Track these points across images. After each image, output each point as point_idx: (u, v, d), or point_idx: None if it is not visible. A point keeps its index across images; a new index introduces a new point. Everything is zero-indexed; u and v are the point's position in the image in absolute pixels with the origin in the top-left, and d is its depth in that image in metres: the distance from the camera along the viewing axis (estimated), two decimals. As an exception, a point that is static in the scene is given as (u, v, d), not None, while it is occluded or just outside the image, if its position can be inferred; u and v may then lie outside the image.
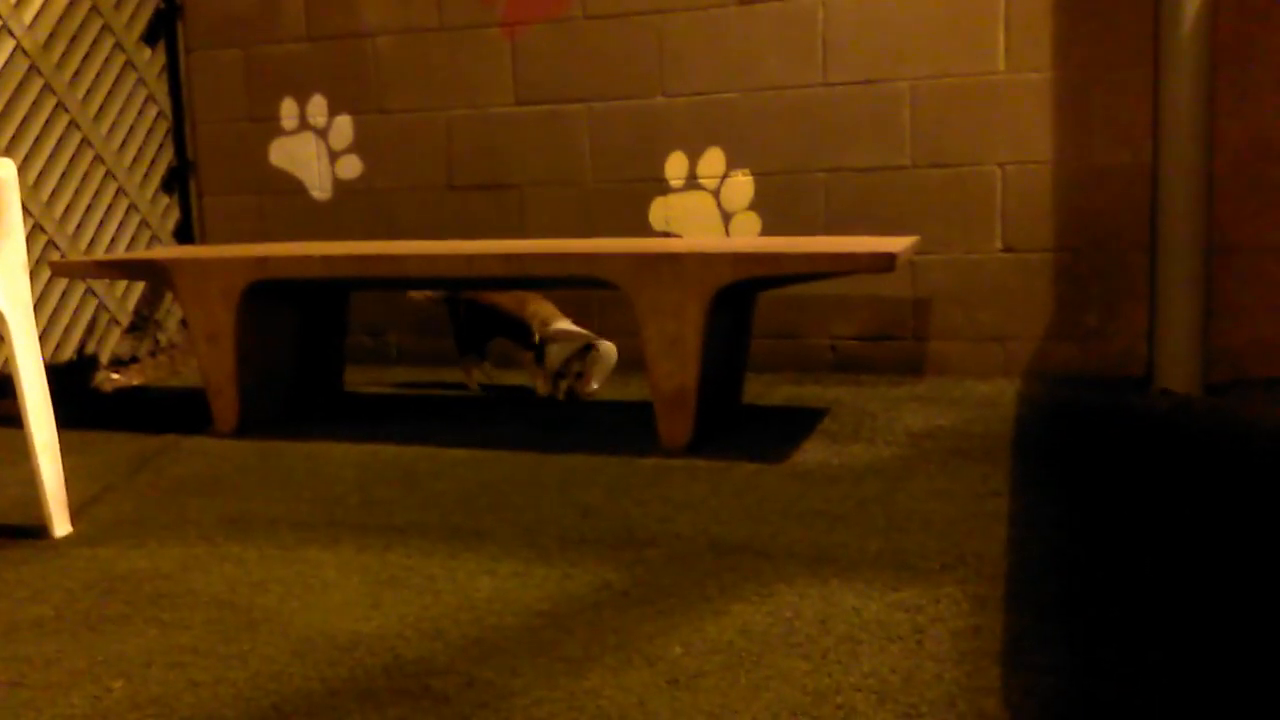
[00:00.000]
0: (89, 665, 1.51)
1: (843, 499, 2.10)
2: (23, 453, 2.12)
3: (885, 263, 2.27)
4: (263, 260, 2.74)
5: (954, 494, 2.11)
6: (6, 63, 3.22)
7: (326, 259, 2.69)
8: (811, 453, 2.44)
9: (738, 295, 2.62)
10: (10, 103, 3.24)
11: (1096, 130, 3.06)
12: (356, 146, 3.74)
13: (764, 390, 3.11)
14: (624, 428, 2.74)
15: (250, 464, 2.55)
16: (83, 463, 2.57)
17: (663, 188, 3.46)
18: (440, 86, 3.63)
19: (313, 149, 3.78)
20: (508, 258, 2.60)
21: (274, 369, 2.95)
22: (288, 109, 3.79)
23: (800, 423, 2.72)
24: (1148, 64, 2.97)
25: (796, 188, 3.32)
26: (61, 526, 2.12)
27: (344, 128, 3.74)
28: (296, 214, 3.82)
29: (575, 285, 3.06)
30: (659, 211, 3.47)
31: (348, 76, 3.71)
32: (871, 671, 1.39)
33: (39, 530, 2.11)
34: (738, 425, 2.72)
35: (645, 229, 3.48)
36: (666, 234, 3.46)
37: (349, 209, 3.77)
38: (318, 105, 3.76)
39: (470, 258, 2.63)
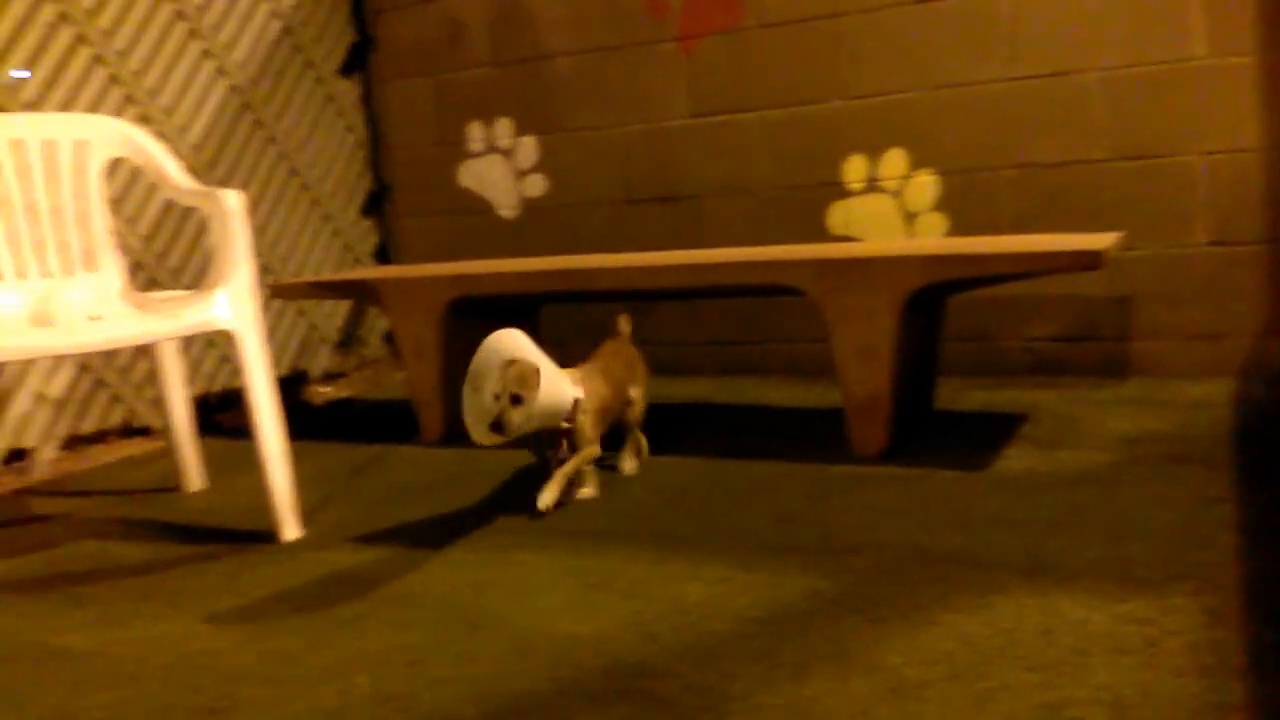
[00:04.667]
0: (333, 661, 1.62)
1: (1054, 507, 2.03)
2: (250, 462, 2.28)
3: (1091, 260, 2.19)
4: (462, 278, 2.87)
5: (1174, 501, 2.01)
6: (223, 101, 3.48)
7: (521, 274, 2.79)
8: (1015, 459, 2.37)
9: (928, 298, 2.58)
10: (227, 136, 3.50)
11: (1315, 112, 2.87)
12: (541, 165, 3.86)
13: (956, 396, 3.04)
14: (810, 435, 2.73)
15: (457, 472, 2.67)
16: (302, 471, 2.74)
17: (841, 192, 3.43)
18: (618, 103, 3.71)
19: (500, 169, 3.93)
20: (694, 268, 2.64)
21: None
22: (475, 132, 3.95)
23: (999, 428, 2.65)
24: (1373, 38, 2.77)
25: (983, 186, 3.24)
26: (291, 531, 2.27)
27: (529, 148, 3.87)
28: (485, 233, 3.98)
29: (759, 293, 3.07)
30: (838, 216, 3.45)
31: (531, 98, 3.84)
32: (1104, 685, 1.34)
33: (270, 535, 2.26)
34: (932, 432, 2.67)
35: (823, 235, 3.46)
36: (846, 239, 3.43)
37: (534, 226, 3.90)
38: (503, 127, 3.90)
39: (657, 269, 2.68)
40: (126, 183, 3.14)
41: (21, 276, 2.36)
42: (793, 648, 1.53)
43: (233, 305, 2.24)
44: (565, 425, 2.21)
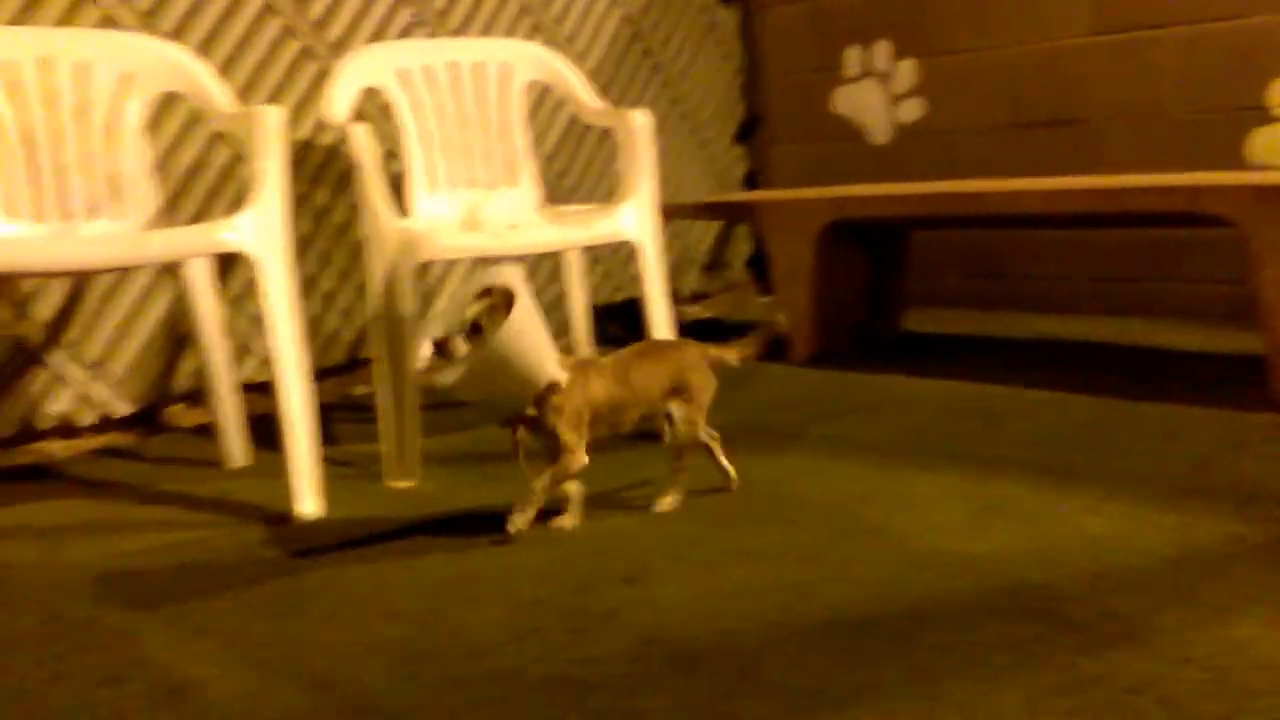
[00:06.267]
0: (730, 548, 1.71)
1: None
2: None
3: None
4: (841, 200, 2.87)
5: None
6: (616, 29, 3.66)
7: (904, 197, 2.76)
8: None
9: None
10: (619, 63, 3.69)
11: None
12: (920, 89, 3.75)
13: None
14: (1219, 381, 2.51)
15: (828, 391, 2.71)
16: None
17: (1265, 116, 3.08)
18: (1008, 22, 3.53)
19: (874, 94, 3.87)
20: (1104, 193, 2.48)
21: (843, 305, 3.09)
22: (851, 57, 3.90)
23: None
24: None
25: None
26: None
27: (907, 71, 3.77)
28: (855, 160, 3.94)
29: (1164, 224, 2.84)
30: (1259, 143, 3.10)
31: (913, 20, 3.73)
32: None
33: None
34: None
35: (1238, 164, 3.13)
36: (1266, 168, 3.08)
37: (907, 152, 3.81)
38: (881, 51, 3.82)
39: (1053, 193, 2.55)
40: (532, 106, 3.39)
41: (454, 186, 2.63)
42: (1216, 589, 1.44)
43: (637, 218, 2.38)
44: (530, 413, 1.77)
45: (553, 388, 1.75)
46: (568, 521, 1.85)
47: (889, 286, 3.29)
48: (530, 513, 1.79)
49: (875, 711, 1.19)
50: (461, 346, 1.68)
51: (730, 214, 3.29)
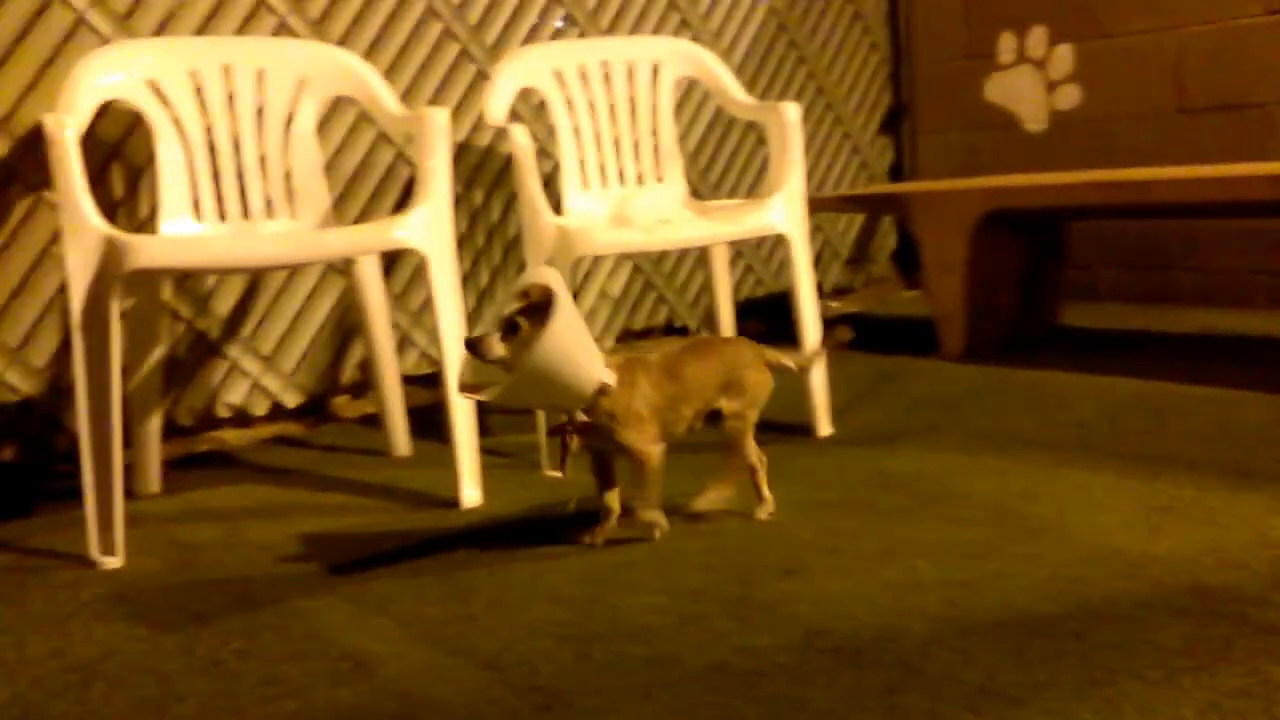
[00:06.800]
0: (889, 544, 1.70)
1: None
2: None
3: None
4: (998, 190, 2.81)
5: None
6: (763, 23, 3.66)
7: (1064, 187, 2.67)
8: None
9: None
10: (764, 57, 3.68)
11: None
12: (1077, 75, 3.63)
13: None
14: None
15: (983, 387, 2.65)
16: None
17: None
18: (1172, 4, 3.37)
19: (1029, 81, 3.75)
20: (1272, 179, 2.36)
21: (998, 299, 3.02)
22: (1005, 43, 3.80)
23: None
24: None
25: None
26: (825, 428, 2.40)
27: (1064, 57, 3.65)
28: (1007, 148, 3.83)
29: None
30: None
31: (1070, 5, 3.61)
32: None
33: (805, 429, 2.40)
34: None
35: None
36: None
37: (1063, 140, 3.69)
38: (1037, 37, 3.71)
39: (1225, 180, 2.44)
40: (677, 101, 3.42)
41: (604, 183, 2.67)
42: None
43: (786, 212, 2.38)
44: (582, 418, 1.71)
45: (602, 389, 1.69)
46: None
47: (1045, 279, 3.20)
48: (660, 518, 1.78)
49: (1049, 711, 1.17)
50: (497, 346, 1.63)
51: (877, 206, 3.24)
